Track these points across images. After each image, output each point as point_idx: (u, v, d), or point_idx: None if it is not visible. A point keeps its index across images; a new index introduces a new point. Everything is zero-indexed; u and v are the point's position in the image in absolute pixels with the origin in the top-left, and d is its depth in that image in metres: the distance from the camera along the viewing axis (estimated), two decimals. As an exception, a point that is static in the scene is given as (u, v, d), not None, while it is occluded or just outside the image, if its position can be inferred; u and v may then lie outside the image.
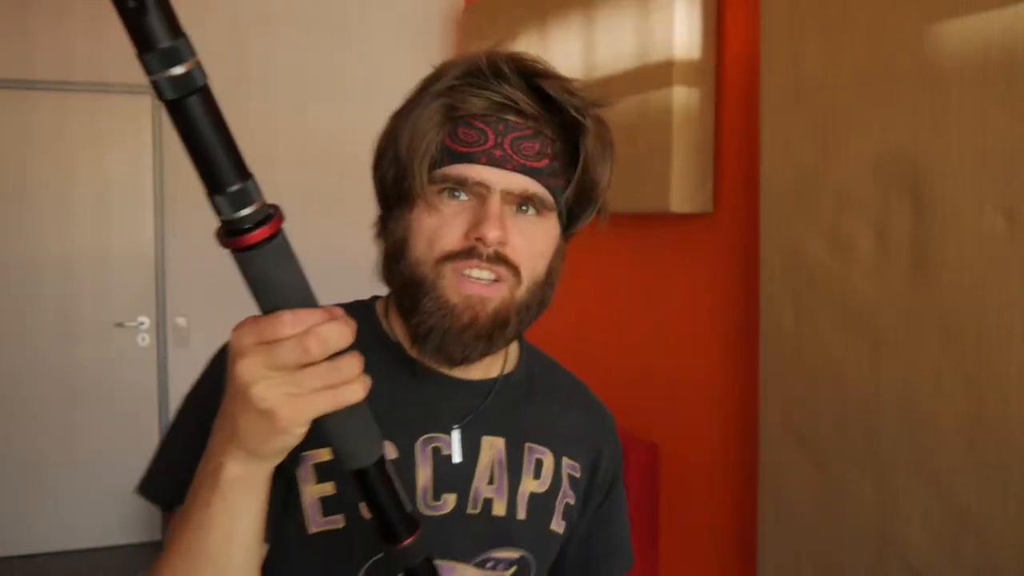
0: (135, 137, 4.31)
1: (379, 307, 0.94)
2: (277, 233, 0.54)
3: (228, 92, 4.75)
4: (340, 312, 0.57)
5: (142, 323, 4.36)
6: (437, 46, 4.73)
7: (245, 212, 0.52)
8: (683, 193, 2.84)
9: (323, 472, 0.82)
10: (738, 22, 2.78)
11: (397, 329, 0.90)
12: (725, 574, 2.87)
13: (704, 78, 2.84)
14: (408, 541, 0.66)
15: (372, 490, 0.63)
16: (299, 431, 0.57)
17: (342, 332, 0.55)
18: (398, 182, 0.83)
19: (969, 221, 1.88)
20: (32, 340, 4.22)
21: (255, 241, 0.52)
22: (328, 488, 0.82)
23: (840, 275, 2.21)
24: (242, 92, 4.42)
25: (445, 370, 0.88)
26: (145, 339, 4.37)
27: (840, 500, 2.23)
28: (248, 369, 0.55)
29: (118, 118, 4.29)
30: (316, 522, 0.82)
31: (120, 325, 4.34)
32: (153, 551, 4.32)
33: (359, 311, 0.90)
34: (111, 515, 4.36)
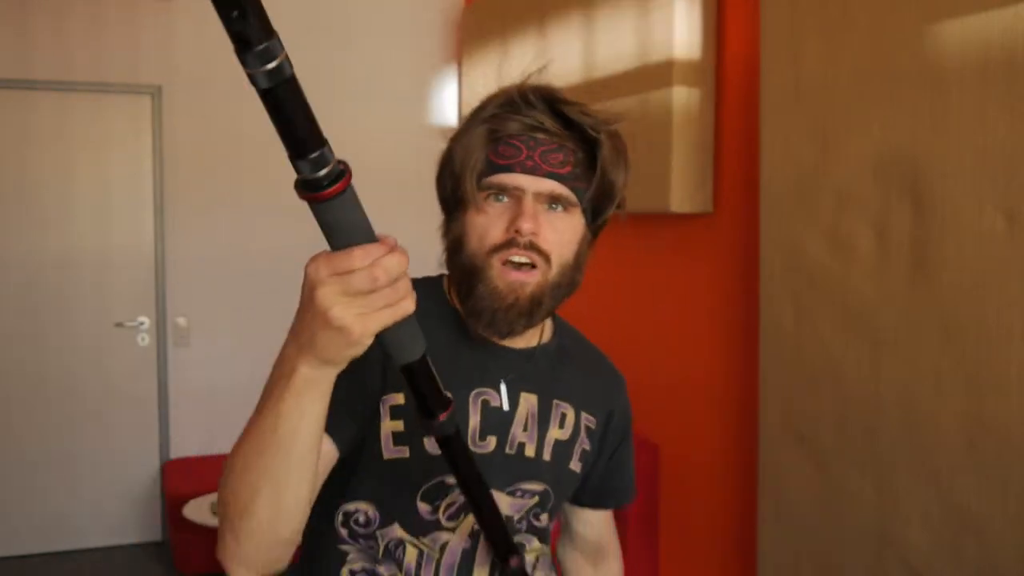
0: (135, 137, 4.31)
1: (445, 283, 1.16)
2: (348, 187, 0.64)
3: (229, 93, 4.72)
4: (394, 241, 0.69)
5: (142, 323, 4.36)
6: (437, 46, 4.72)
7: (323, 172, 0.62)
8: (683, 193, 2.84)
9: (396, 412, 1.05)
10: (738, 22, 2.78)
11: (458, 303, 1.11)
12: (725, 574, 2.87)
13: (704, 78, 2.84)
14: (443, 416, 0.82)
15: (416, 379, 0.78)
16: (368, 341, 0.71)
17: (400, 261, 0.68)
18: (455, 191, 1.06)
19: (969, 221, 1.88)
20: (32, 340, 4.22)
21: (331, 194, 0.63)
22: (399, 425, 1.05)
23: (840, 275, 2.21)
24: (243, 92, 4.42)
25: (495, 339, 1.09)
26: (145, 339, 4.37)
27: (840, 500, 2.23)
28: (326, 295, 0.68)
29: (118, 118, 4.29)
30: (388, 450, 1.05)
31: (120, 325, 4.34)
32: (153, 551, 4.32)
33: (430, 285, 1.15)
34: (111, 515, 4.36)
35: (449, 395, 0.82)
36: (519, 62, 3.83)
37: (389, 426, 1.05)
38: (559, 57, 3.50)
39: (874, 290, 2.11)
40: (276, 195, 4.65)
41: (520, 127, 1.02)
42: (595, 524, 1.31)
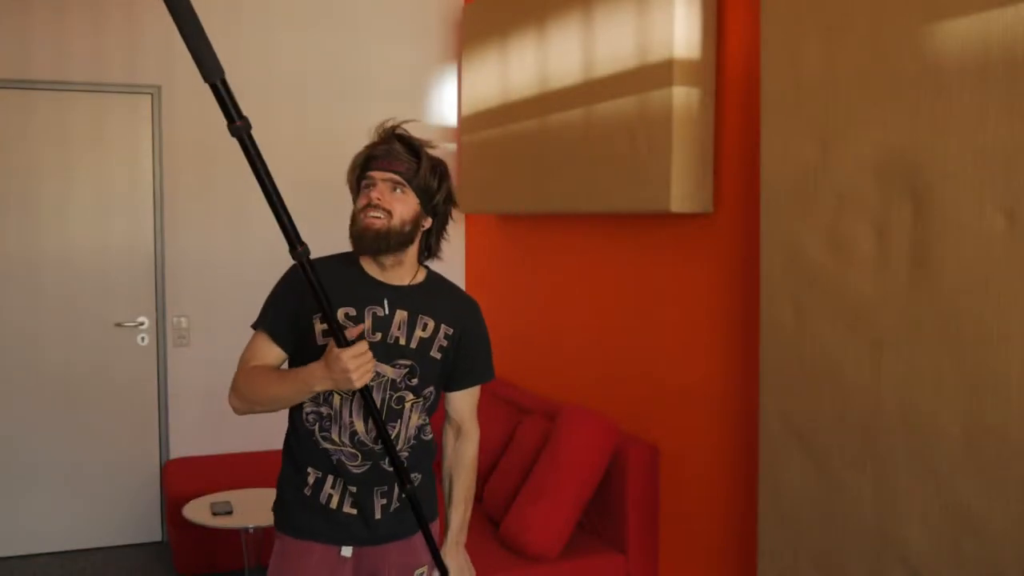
0: (135, 137, 4.31)
1: (355, 254, 1.99)
2: None
3: (232, 92, 4.63)
4: (363, 329, 1.77)
5: (142, 323, 4.36)
6: (437, 46, 4.72)
7: None
8: (683, 193, 2.84)
9: (320, 320, 1.89)
10: (738, 22, 2.78)
11: (361, 262, 1.95)
12: (725, 574, 2.87)
13: (704, 78, 2.84)
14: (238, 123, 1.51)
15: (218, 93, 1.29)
16: (359, 385, 1.71)
17: (366, 350, 1.69)
18: (355, 183, 1.93)
19: (969, 221, 1.88)
20: (32, 340, 4.22)
21: None
22: (323, 327, 1.88)
23: (840, 275, 2.21)
24: (242, 92, 4.42)
25: (382, 279, 1.92)
26: (145, 339, 4.37)
27: (840, 500, 2.23)
28: (350, 363, 1.66)
29: (118, 118, 4.29)
30: (320, 340, 1.87)
31: (120, 325, 4.33)
32: (153, 551, 4.32)
33: (348, 255, 1.96)
34: (111, 515, 4.36)
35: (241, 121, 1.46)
36: (519, 62, 3.83)
37: (319, 328, 1.88)
38: (559, 57, 3.50)
39: (874, 290, 2.11)
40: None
41: (382, 151, 1.88)
42: (458, 406, 2.05)
